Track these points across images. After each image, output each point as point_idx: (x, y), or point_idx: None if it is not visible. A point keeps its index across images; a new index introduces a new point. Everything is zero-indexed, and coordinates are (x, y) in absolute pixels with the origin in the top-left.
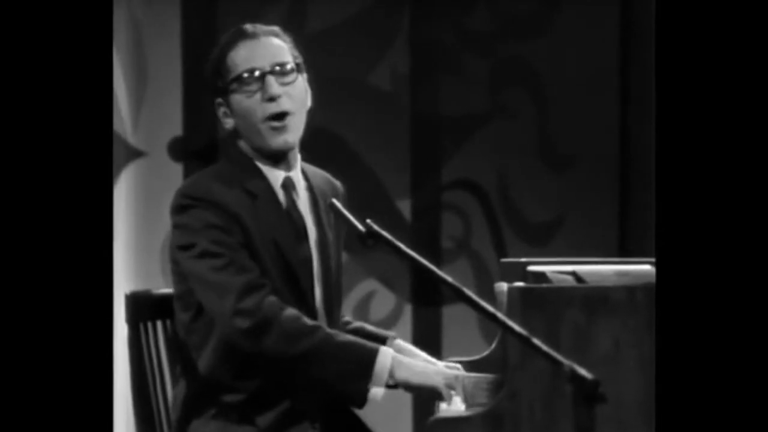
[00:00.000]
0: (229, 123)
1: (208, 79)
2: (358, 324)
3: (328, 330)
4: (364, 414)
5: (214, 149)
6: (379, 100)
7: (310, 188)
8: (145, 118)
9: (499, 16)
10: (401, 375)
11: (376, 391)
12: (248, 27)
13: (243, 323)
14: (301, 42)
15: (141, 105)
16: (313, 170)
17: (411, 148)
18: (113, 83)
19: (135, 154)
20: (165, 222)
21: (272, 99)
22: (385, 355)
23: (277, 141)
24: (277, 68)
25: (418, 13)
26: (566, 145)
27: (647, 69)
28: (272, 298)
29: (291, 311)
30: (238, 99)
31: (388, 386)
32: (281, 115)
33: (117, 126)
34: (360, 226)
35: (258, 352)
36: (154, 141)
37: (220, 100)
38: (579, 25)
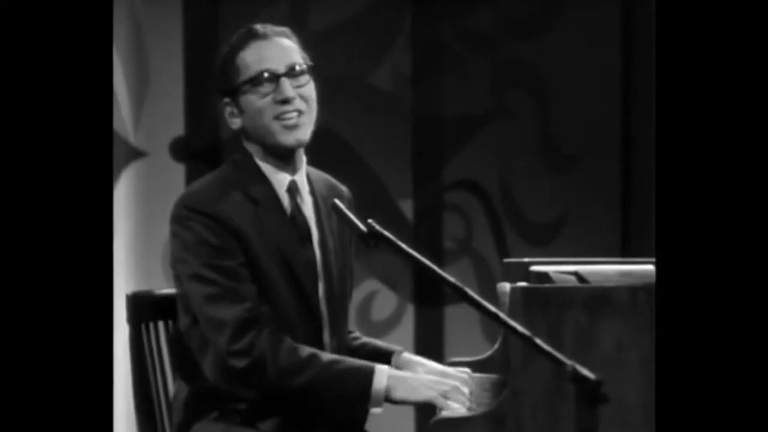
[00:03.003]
0: (236, 123)
1: (215, 79)
2: (364, 339)
3: (324, 358)
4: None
5: (215, 150)
6: (381, 100)
7: (312, 192)
8: (147, 119)
9: (500, 16)
10: (398, 395)
11: (375, 410)
12: (259, 27)
13: (238, 363)
14: (302, 42)
15: (142, 105)
16: (317, 174)
17: (413, 149)
18: (114, 83)
19: (136, 154)
20: (166, 222)
21: (286, 101)
22: (381, 375)
23: (289, 138)
24: (291, 70)
25: (420, 13)
26: (568, 146)
27: (649, 69)
28: (266, 333)
29: (286, 344)
30: (249, 99)
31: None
32: (294, 113)
33: (118, 126)
34: (362, 227)
35: (255, 389)
36: (156, 141)
37: (227, 100)
38: (580, 26)
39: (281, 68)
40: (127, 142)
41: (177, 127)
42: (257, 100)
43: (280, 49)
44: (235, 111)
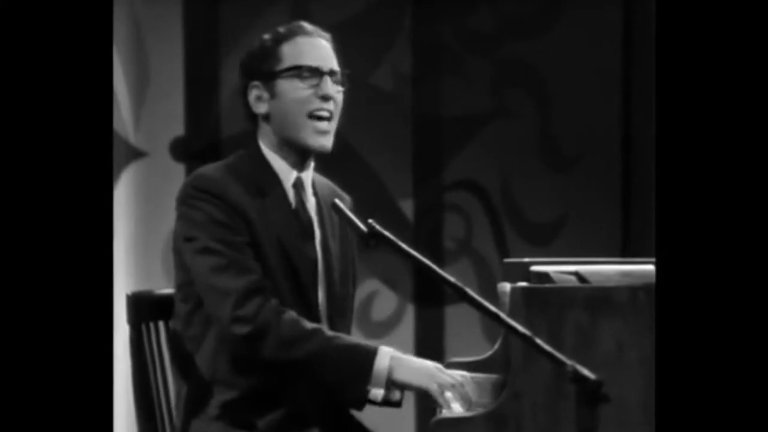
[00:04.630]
0: (262, 107)
1: (250, 62)
2: None
3: (327, 333)
4: (367, 414)
5: (215, 150)
6: (381, 100)
7: (316, 195)
8: (147, 119)
9: (500, 16)
10: (399, 376)
11: (376, 392)
12: (306, 25)
13: (241, 330)
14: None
15: (142, 105)
16: (321, 179)
17: (413, 149)
18: (114, 83)
19: (136, 154)
20: (166, 222)
21: (326, 98)
22: (384, 355)
23: (318, 141)
24: (333, 73)
25: (420, 13)
26: (569, 146)
27: (649, 69)
28: (272, 303)
29: (290, 315)
30: (289, 87)
31: (387, 403)
32: (328, 118)
33: (118, 126)
34: (362, 227)
35: (257, 357)
36: (156, 141)
37: (257, 83)
38: (580, 26)
39: (326, 68)
40: (127, 142)
41: (177, 127)
42: (297, 90)
43: (327, 51)
44: (265, 95)
